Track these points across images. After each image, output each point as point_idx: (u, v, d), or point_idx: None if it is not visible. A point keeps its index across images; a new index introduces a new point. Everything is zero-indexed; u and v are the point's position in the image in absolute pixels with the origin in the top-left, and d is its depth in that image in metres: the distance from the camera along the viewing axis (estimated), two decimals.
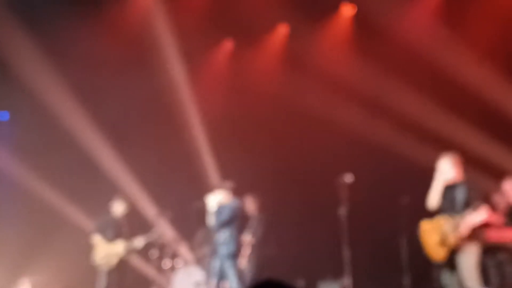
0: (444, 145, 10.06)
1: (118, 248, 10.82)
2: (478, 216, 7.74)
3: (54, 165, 12.51)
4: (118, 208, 11.09)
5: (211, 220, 9.78)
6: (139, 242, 10.94)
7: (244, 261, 11.07)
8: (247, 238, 11.05)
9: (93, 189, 11.74)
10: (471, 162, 8.45)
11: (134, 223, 11.49)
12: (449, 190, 8.14)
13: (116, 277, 10.83)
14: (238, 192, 10.09)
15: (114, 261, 10.77)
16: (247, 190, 11.38)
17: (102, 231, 10.89)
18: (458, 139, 10.69)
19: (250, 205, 11.44)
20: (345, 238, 9.64)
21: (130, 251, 10.96)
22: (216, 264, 9.74)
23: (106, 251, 10.77)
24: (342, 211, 9.68)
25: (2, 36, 11.79)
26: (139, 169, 12.68)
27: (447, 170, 8.14)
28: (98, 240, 10.88)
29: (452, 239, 7.83)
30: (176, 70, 12.99)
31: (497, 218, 9.45)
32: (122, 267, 10.91)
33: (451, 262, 7.96)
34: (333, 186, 9.74)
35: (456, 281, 7.94)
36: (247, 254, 11.09)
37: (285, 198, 12.30)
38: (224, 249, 9.60)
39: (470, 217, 7.75)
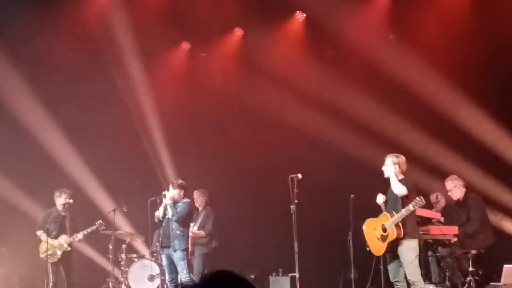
0: (390, 146, 10.39)
1: (60, 242, 10.87)
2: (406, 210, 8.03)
3: (10, 159, 12.43)
4: (60, 202, 11.03)
5: (165, 216, 9.91)
6: (80, 234, 10.96)
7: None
8: (196, 231, 11.19)
9: (49, 183, 11.67)
10: (415, 162, 8.69)
11: (89, 217, 11.54)
12: (391, 188, 8.39)
13: (62, 270, 10.94)
14: (192, 189, 10.20)
15: (58, 255, 10.84)
16: (202, 187, 11.51)
17: (45, 226, 10.86)
18: (404, 140, 11.01)
19: (198, 199, 11.59)
20: (295, 233, 9.73)
21: (73, 244, 11.00)
22: (168, 257, 9.92)
23: (50, 246, 10.78)
24: (293, 207, 9.72)
25: None
26: (96, 165, 12.67)
27: (389, 168, 8.37)
28: (41, 235, 10.91)
29: (391, 234, 8.10)
30: (134, 70, 13.04)
31: (437, 215, 9.87)
32: (67, 260, 10.99)
33: (394, 257, 8.26)
34: (285, 183, 9.76)
35: (401, 274, 8.25)
36: (195, 247, 11.25)
37: (238, 195, 12.43)
38: (176, 244, 9.74)
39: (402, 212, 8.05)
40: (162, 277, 10.96)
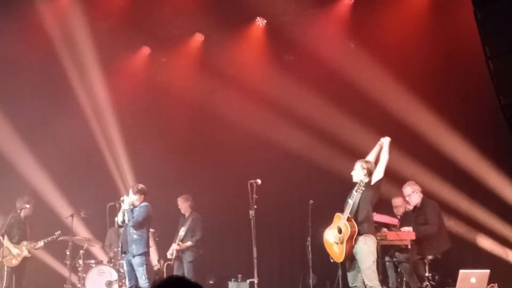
0: (348, 151, 10.47)
1: (21, 248, 10.92)
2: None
3: None
4: (22, 208, 11.12)
5: (123, 220, 9.86)
6: (40, 242, 11.04)
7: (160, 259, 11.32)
8: (183, 244, 11.30)
9: (8, 189, 11.60)
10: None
11: (47, 222, 11.43)
12: (350, 193, 8.38)
13: (19, 276, 11.00)
14: (150, 193, 10.17)
15: (17, 261, 10.90)
16: (161, 192, 11.48)
17: (7, 232, 10.93)
18: (363, 145, 11.03)
19: (182, 205, 11.65)
20: (254, 239, 9.74)
21: (32, 250, 11.07)
22: (127, 262, 9.86)
23: (10, 251, 10.87)
24: (252, 212, 9.75)
25: None
26: (55, 170, 12.57)
27: (360, 172, 8.36)
28: (5, 240, 10.92)
29: (346, 232, 8.06)
30: (93, 75, 12.93)
31: (394, 220, 9.97)
32: (22, 265, 11.06)
33: (353, 263, 8.24)
34: (244, 188, 9.78)
35: (359, 280, 8.25)
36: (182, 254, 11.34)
37: (197, 200, 12.37)
38: (134, 249, 9.68)
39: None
40: (120, 283, 10.90)
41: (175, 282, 2.75)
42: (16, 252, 10.89)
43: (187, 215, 11.71)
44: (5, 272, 10.84)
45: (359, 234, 8.07)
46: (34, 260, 11.51)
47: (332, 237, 8.35)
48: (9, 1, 11.88)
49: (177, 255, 11.39)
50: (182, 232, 11.35)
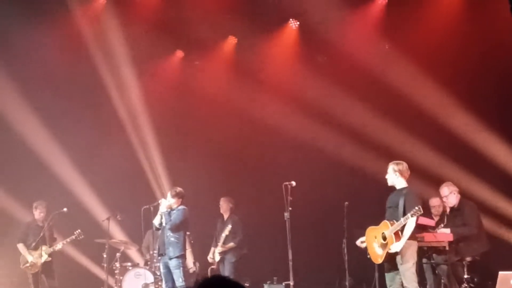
0: (384, 153, 10.41)
1: (39, 253, 10.91)
2: (412, 223, 8.03)
3: (8, 170, 12.50)
4: (37, 213, 11.18)
5: (161, 223, 9.92)
6: (59, 244, 11.04)
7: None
8: (226, 245, 11.38)
9: (47, 193, 11.67)
10: (410, 168, 8.69)
11: (83, 225, 11.50)
12: (392, 196, 8.44)
13: (45, 280, 10.97)
14: (187, 196, 10.20)
15: (38, 265, 10.88)
16: (195, 195, 11.50)
17: (24, 238, 11.03)
18: (399, 147, 11.05)
19: (224, 205, 11.73)
20: (289, 241, 9.74)
21: (52, 254, 11.03)
22: (164, 265, 9.91)
23: (31, 258, 10.90)
24: (287, 215, 9.75)
25: None
26: (91, 174, 12.69)
27: (391, 174, 8.40)
28: (21, 247, 11.01)
29: (390, 243, 8.10)
30: (127, 79, 13.05)
31: (431, 222, 9.86)
32: (48, 268, 11.03)
33: (391, 264, 8.25)
34: (279, 190, 9.77)
35: (397, 282, 8.25)
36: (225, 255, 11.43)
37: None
38: (171, 251, 9.74)
39: (407, 226, 8.03)
40: (156, 286, 10.95)
41: (217, 281, 2.74)
42: (31, 259, 10.91)
43: (226, 216, 11.76)
44: (31, 280, 10.91)
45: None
46: (71, 263, 11.58)
47: (376, 239, 8.37)
48: (44, 10, 12.02)
49: (221, 257, 11.48)
50: (224, 234, 11.41)
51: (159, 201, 10.07)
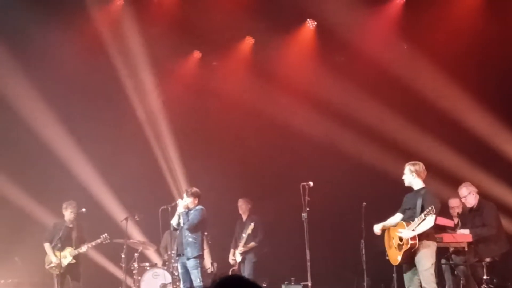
0: (402, 153, 10.35)
1: (65, 254, 10.85)
2: (427, 222, 7.96)
3: (22, 165, 12.59)
4: (67, 213, 11.08)
5: (179, 223, 9.93)
6: (85, 247, 10.95)
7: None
8: (248, 245, 11.44)
9: (63, 193, 11.69)
10: (429, 169, 8.65)
11: (102, 226, 11.55)
12: (409, 196, 8.39)
13: (70, 281, 10.93)
14: (204, 197, 10.20)
15: (63, 266, 10.80)
16: (213, 195, 11.51)
17: (51, 238, 10.96)
18: (417, 147, 10.99)
19: (243, 206, 11.79)
20: (307, 241, 9.73)
21: (77, 256, 10.96)
22: (181, 265, 9.92)
23: (55, 258, 10.83)
24: (305, 215, 9.75)
25: None
26: (109, 174, 12.74)
27: (408, 177, 8.35)
28: (47, 247, 10.96)
29: (406, 244, 8.05)
30: (145, 80, 13.10)
31: (450, 222, 9.80)
32: (73, 270, 10.97)
33: (410, 265, 8.20)
34: (296, 191, 9.77)
35: (415, 283, 8.19)
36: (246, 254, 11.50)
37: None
38: (189, 252, 9.75)
39: (423, 225, 7.97)
40: (174, 286, 10.97)
41: (234, 281, 2.73)
42: (55, 260, 10.85)
43: (244, 217, 11.82)
44: (55, 279, 10.87)
45: (421, 246, 8.06)
46: (89, 263, 11.61)
47: (393, 240, 8.34)
48: (62, 9, 12.04)
49: (242, 257, 11.55)
50: (246, 234, 11.46)
51: (177, 202, 10.07)
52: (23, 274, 11.99)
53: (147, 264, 11.82)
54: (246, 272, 11.43)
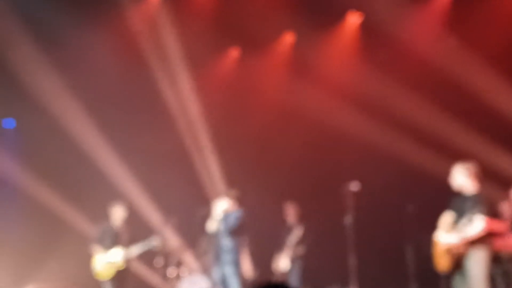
0: (451, 153, 10.08)
1: (115, 258, 10.75)
2: (477, 227, 7.73)
3: (59, 172, 12.66)
4: (117, 215, 10.98)
5: (216, 228, 9.84)
6: (136, 250, 10.84)
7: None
8: (292, 247, 11.27)
9: (98, 196, 11.74)
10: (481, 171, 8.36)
11: (138, 230, 11.51)
12: (457, 200, 8.15)
13: (117, 286, 10.81)
14: (243, 200, 10.13)
15: (112, 270, 10.73)
16: (252, 198, 11.41)
17: (100, 240, 10.84)
18: (465, 147, 10.72)
19: (293, 210, 11.60)
20: (351, 246, 9.68)
21: (128, 260, 10.87)
22: (219, 272, 9.81)
23: (104, 261, 10.74)
24: (348, 219, 9.77)
25: (9, 44, 11.88)
26: (144, 177, 12.72)
27: (459, 180, 8.14)
28: (96, 250, 10.83)
29: (457, 248, 7.86)
30: (182, 78, 13.03)
31: (502, 226, 9.44)
32: (121, 276, 10.85)
33: (460, 270, 7.97)
34: (339, 194, 9.84)
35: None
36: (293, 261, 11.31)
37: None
38: (227, 257, 9.67)
39: (471, 229, 7.76)
40: None
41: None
42: (108, 264, 10.75)
43: (292, 222, 11.60)
44: (103, 285, 10.78)
45: (471, 248, 7.85)
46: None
47: (441, 246, 8.10)
48: (97, 9, 12.08)
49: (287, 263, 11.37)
50: (292, 240, 11.28)
51: (214, 205, 9.99)
52: (57, 278, 11.90)
53: (184, 269, 11.70)
54: (294, 278, 11.25)
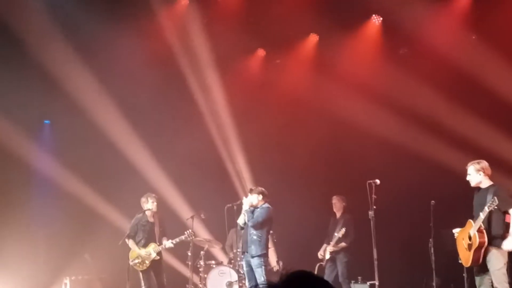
0: (471, 149, 10.10)
1: (149, 250, 10.81)
2: None
3: (94, 169, 12.85)
4: (147, 207, 10.93)
5: (243, 221, 9.95)
6: (169, 243, 10.87)
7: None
8: (338, 245, 11.37)
9: (131, 191, 11.84)
10: (498, 165, 8.44)
11: (168, 224, 11.61)
12: (478, 195, 8.18)
13: (153, 276, 10.86)
14: (270, 195, 10.16)
15: (147, 263, 10.78)
16: (278, 193, 11.48)
17: (135, 233, 10.86)
18: (486, 143, 10.74)
19: (337, 204, 11.71)
20: (374, 240, 9.65)
21: (161, 252, 10.92)
22: (246, 263, 9.93)
23: (139, 254, 10.79)
24: (371, 213, 9.70)
25: (47, 49, 12.06)
26: (174, 172, 12.88)
27: (475, 175, 8.14)
28: (131, 243, 10.86)
29: (475, 242, 7.84)
30: (210, 78, 13.20)
31: None
32: (157, 266, 10.91)
33: (481, 265, 7.97)
34: (363, 189, 9.74)
35: (487, 283, 7.99)
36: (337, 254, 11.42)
37: (315, 201, 12.38)
38: (253, 250, 9.73)
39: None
40: (240, 284, 10.99)
41: (304, 277, 2.69)
42: (143, 256, 10.79)
43: (338, 215, 11.71)
44: (140, 275, 10.82)
45: (491, 245, 7.83)
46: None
47: (463, 241, 8.13)
48: (129, 13, 12.21)
49: (332, 256, 11.46)
50: (336, 234, 11.36)
51: (242, 200, 10.10)
52: (92, 271, 12.23)
53: (213, 262, 11.87)
54: (339, 272, 11.39)
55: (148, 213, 10.90)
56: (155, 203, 10.94)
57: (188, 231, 11.00)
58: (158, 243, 10.87)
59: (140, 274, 10.83)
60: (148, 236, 10.88)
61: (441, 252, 9.62)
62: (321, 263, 11.57)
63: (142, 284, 10.80)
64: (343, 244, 11.38)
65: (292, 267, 2.73)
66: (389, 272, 11.19)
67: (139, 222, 10.89)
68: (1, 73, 12.17)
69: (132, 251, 10.84)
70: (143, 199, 10.97)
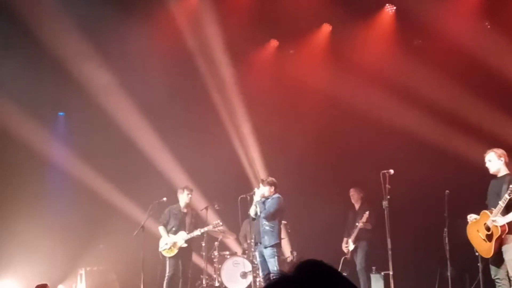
0: (486, 139, 10.01)
1: (178, 238, 11.02)
2: None
3: (109, 160, 12.95)
4: (182, 198, 11.27)
5: (256, 213, 9.96)
6: (198, 231, 11.07)
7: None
8: (358, 229, 11.35)
9: (146, 184, 12.00)
10: None
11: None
12: (494, 183, 8.13)
13: (181, 265, 11.08)
14: (283, 185, 10.19)
15: (175, 250, 11.01)
16: (293, 184, 11.48)
17: (167, 221, 11.18)
18: (501, 133, 10.62)
19: (355, 195, 11.75)
20: (388, 230, 9.64)
21: (190, 240, 11.09)
22: (259, 253, 9.96)
23: (168, 242, 11.03)
24: (385, 203, 9.67)
25: (62, 43, 12.16)
26: (188, 164, 12.91)
27: (495, 164, 8.10)
28: (161, 230, 11.16)
29: (496, 231, 7.79)
30: (223, 69, 13.19)
31: None
32: (185, 255, 11.14)
33: (497, 255, 7.93)
34: (377, 179, 9.70)
35: (502, 272, 7.97)
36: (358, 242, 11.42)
37: (330, 191, 12.37)
38: (266, 240, 9.76)
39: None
40: (254, 274, 11.02)
41: (312, 265, 2.68)
42: (172, 242, 11.02)
43: (357, 206, 11.73)
44: (167, 262, 11.07)
45: (509, 233, 7.77)
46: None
47: (479, 233, 8.06)
48: (143, 7, 12.30)
49: (355, 245, 11.47)
50: (358, 224, 11.35)
51: (254, 191, 10.12)
52: (107, 262, 12.33)
53: (227, 252, 11.95)
54: (358, 260, 11.42)
55: (182, 203, 11.27)
56: (190, 196, 11.31)
57: (216, 222, 11.24)
58: (188, 232, 11.09)
59: (167, 260, 11.07)
60: (179, 224, 11.19)
61: (455, 242, 9.53)
62: (346, 256, 11.57)
63: (167, 270, 11.02)
64: (368, 225, 11.34)
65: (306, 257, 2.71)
66: (403, 262, 11.18)
67: (171, 210, 11.29)
68: (17, 66, 12.31)
69: (163, 238, 11.14)
70: (179, 190, 11.37)
